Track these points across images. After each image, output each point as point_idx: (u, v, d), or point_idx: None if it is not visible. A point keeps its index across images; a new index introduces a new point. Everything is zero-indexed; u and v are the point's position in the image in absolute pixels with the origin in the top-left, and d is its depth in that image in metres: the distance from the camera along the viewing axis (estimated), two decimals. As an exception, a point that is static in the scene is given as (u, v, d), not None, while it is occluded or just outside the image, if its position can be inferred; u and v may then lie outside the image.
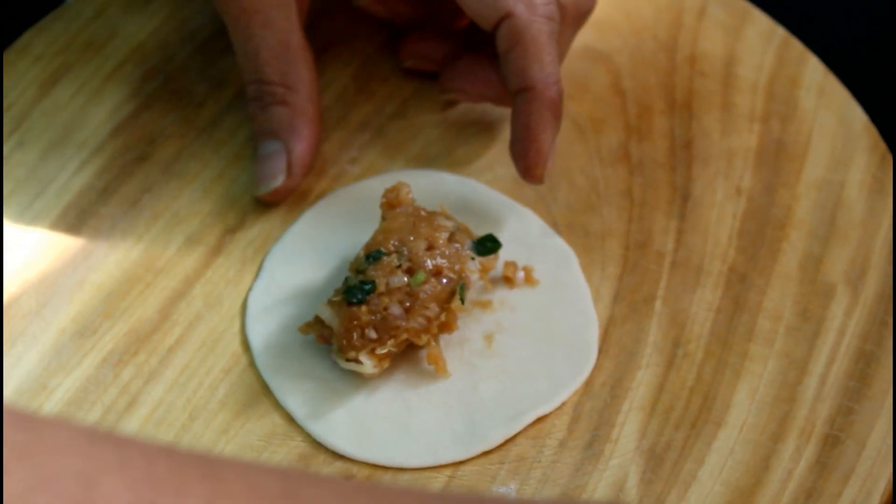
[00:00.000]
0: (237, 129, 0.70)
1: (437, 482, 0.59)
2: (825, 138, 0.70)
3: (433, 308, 0.61)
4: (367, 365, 0.60)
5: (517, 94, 0.64)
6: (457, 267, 0.61)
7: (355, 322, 0.60)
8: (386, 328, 0.60)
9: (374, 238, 0.62)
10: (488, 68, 0.67)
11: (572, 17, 0.65)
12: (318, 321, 0.61)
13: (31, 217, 0.66)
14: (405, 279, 0.60)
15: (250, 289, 0.65)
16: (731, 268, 0.66)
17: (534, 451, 0.61)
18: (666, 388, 0.62)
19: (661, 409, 0.62)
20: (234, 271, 0.65)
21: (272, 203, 0.67)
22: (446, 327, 0.62)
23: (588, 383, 0.63)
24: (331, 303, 0.61)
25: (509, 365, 0.62)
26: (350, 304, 0.60)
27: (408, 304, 0.60)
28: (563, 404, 0.62)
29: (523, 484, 0.60)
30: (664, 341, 0.64)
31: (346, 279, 0.61)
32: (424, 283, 0.61)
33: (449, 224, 0.62)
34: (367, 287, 0.60)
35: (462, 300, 0.61)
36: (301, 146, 0.66)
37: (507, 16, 0.63)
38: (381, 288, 0.60)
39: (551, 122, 0.63)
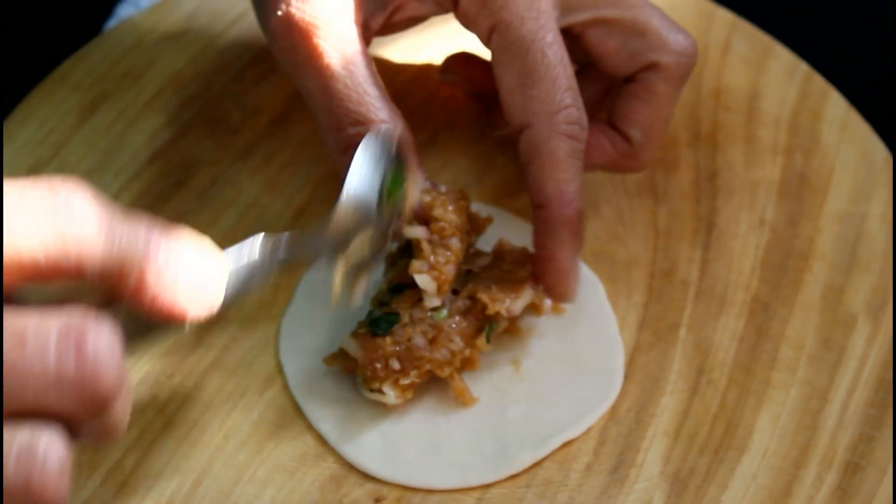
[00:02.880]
0: (272, 157, 0.71)
1: (466, 504, 0.60)
2: (847, 172, 0.71)
3: (458, 342, 0.61)
4: (391, 395, 0.61)
5: (534, 210, 0.63)
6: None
7: (379, 353, 0.60)
8: (409, 359, 0.60)
9: (396, 270, 0.63)
10: (600, 137, 0.66)
11: (676, 77, 0.64)
12: (342, 353, 0.62)
13: (69, 241, 0.67)
14: (429, 312, 0.61)
15: (284, 313, 0.66)
16: (755, 297, 0.67)
17: (560, 475, 0.61)
18: (690, 414, 0.63)
19: (685, 435, 0.62)
20: (269, 295, 0.66)
21: None
22: (469, 364, 0.62)
23: (614, 409, 0.63)
24: (355, 335, 0.61)
25: (537, 390, 0.63)
26: (375, 335, 0.61)
27: (432, 335, 0.61)
28: (590, 429, 0.62)
29: None
30: (688, 368, 0.64)
31: (370, 312, 0.62)
32: (449, 318, 0.61)
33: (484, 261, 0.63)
34: (391, 318, 0.61)
35: (488, 339, 0.62)
36: (420, 175, 0.62)
37: (526, 127, 0.62)
38: (405, 319, 0.61)
39: (570, 241, 0.62)
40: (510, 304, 0.62)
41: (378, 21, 0.64)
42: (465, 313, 0.62)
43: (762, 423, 0.63)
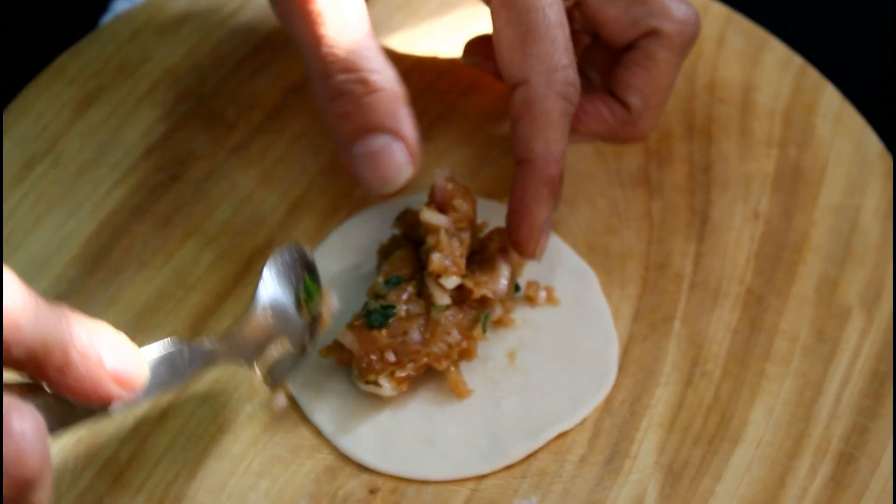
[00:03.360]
0: (266, 151, 0.71)
1: (461, 495, 0.60)
2: (841, 164, 0.71)
3: (454, 334, 0.61)
4: (386, 388, 0.61)
5: (518, 164, 0.63)
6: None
7: (375, 345, 0.60)
8: (406, 352, 0.61)
9: (391, 263, 0.63)
10: (599, 105, 0.66)
11: (677, 44, 0.64)
12: (337, 345, 0.62)
13: (65, 235, 0.68)
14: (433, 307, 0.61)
15: (279, 305, 0.66)
16: (749, 289, 0.67)
17: (555, 466, 0.61)
18: (684, 405, 0.63)
19: (679, 426, 0.62)
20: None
21: (387, 195, 0.63)
22: (466, 354, 0.62)
23: (608, 400, 0.63)
24: (351, 327, 0.62)
25: (531, 382, 0.63)
26: (371, 327, 0.61)
27: (429, 329, 0.61)
28: (584, 420, 0.63)
29: (544, 498, 0.60)
30: (683, 360, 0.64)
31: (366, 304, 0.62)
32: (446, 310, 0.62)
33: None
34: (387, 311, 0.61)
35: (484, 330, 0.62)
36: (413, 131, 0.60)
37: (523, 82, 0.62)
38: (401, 313, 0.61)
39: (547, 199, 0.62)
40: (493, 285, 0.62)
41: None
42: (458, 304, 0.62)
43: (756, 415, 0.63)
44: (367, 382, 0.61)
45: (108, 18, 0.79)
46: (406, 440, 0.62)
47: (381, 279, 0.62)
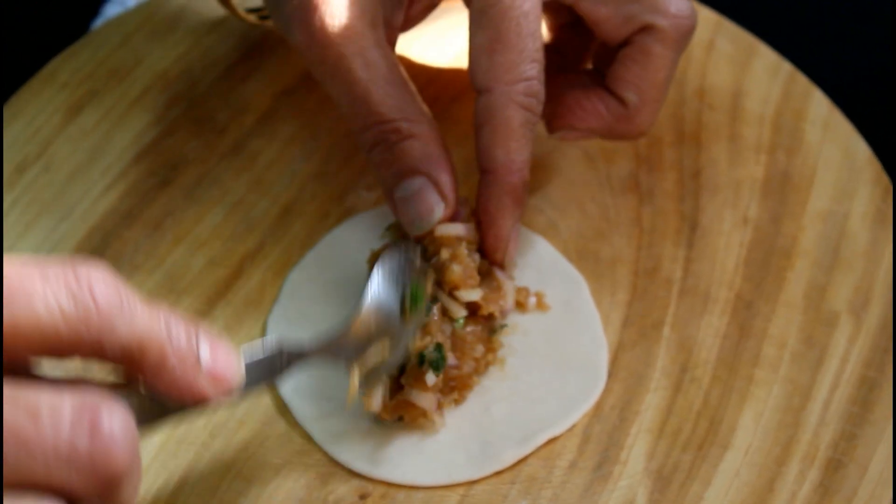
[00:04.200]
0: (258, 155, 0.71)
1: (451, 500, 0.60)
2: (830, 170, 0.71)
3: (479, 348, 0.62)
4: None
5: (481, 173, 0.63)
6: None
7: (436, 389, 0.60)
8: (447, 379, 0.61)
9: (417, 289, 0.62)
10: (596, 101, 0.66)
11: (672, 39, 0.64)
12: (406, 403, 0.61)
13: (56, 240, 0.68)
14: (452, 326, 0.61)
15: (270, 311, 0.66)
16: (738, 295, 0.67)
17: (545, 472, 0.61)
18: (674, 411, 0.63)
19: (668, 432, 0.62)
20: (255, 293, 0.66)
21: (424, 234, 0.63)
22: (490, 364, 0.63)
23: (598, 406, 0.63)
24: (413, 381, 0.60)
25: (521, 387, 0.63)
26: (437, 371, 0.60)
27: (456, 348, 0.61)
28: (574, 426, 0.62)
29: (534, 503, 0.60)
30: (672, 366, 0.64)
31: (421, 354, 0.60)
32: (466, 325, 0.62)
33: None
34: (440, 349, 0.60)
35: (496, 333, 0.63)
36: (446, 174, 0.62)
37: (486, 90, 0.62)
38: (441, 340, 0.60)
39: (511, 209, 0.62)
40: (502, 301, 0.63)
41: (399, 18, 0.65)
42: (469, 317, 0.62)
43: (745, 421, 0.63)
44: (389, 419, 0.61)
45: (99, 23, 0.80)
46: (396, 446, 0.62)
47: (419, 308, 0.60)
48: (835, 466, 0.62)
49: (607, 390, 0.64)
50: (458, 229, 0.62)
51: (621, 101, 0.65)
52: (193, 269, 0.67)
